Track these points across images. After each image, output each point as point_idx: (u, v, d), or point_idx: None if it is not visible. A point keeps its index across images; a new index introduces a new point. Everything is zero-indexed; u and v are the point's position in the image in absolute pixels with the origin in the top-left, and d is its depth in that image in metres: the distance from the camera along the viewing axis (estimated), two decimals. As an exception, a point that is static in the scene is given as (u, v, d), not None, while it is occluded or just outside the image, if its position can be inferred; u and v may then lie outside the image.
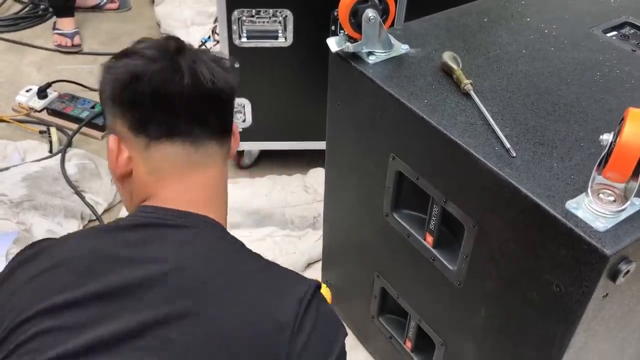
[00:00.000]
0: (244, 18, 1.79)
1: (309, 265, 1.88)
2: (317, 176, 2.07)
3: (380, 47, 1.19)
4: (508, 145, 0.98)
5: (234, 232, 0.87)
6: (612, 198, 0.88)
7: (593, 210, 0.87)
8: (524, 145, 0.99)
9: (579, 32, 1.31)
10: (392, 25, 1.21)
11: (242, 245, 0.86)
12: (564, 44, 1.26)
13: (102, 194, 2.05)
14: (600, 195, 0.88)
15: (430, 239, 1.18)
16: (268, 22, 1.81)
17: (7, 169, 2.06)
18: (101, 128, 2.32)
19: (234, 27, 1.79)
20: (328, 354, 0.79)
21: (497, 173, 0.94)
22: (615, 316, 0.99)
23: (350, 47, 1.17)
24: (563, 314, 0.91)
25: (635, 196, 0.87)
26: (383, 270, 1.39)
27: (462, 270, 1.09)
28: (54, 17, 2.84)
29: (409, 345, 1.40)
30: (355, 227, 1.46)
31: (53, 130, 2.24)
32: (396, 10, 1.21)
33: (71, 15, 2.79)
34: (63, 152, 2.14)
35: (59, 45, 2.78)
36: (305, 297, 0.79)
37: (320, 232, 1.80)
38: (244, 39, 1.82)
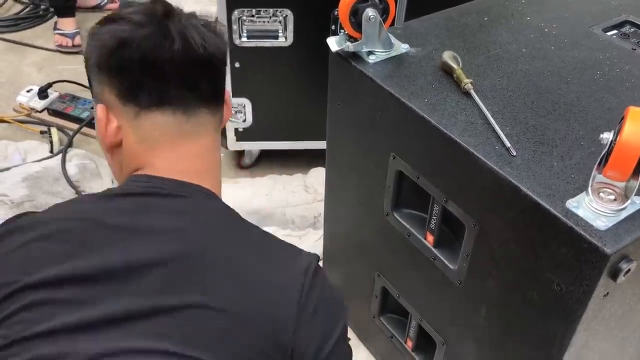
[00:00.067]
0: (244, 18, 1.79)
1: (309, 264, 1.88)
2: (317, 176, 2.07)
3: (380, 47, 1.19)
4: (508, 144, 0.98)
5: (234, 232, 0.86)
6: (612, 197, 0.88)
7: (593, 209, 0.87)
8: (524, 144, 0.99)
9: (579, 31, 1.31)
10: (392, 24, 1.21)
11: (240, 216, 0.85)
12: (564, 43, 1.26)
13: (103, 194, 2.05)
14: (601, 194, 0.88)
15: (430, 238, 1.18)
16: (268, 21, 1.81)
17: (8, 169, 2.06)
18: (102, 128, 2.32)
19: (234, 27, 1.79)
20: (335, 325, 0.79)
21: (497, 172, 0.94)
22: (615, 315, 0.99)
23: (350, 46, 1.17)
24: (563, 313, 0.91)
25: (635, 195, 0.87)
26: (384, 270, 1.39)
27: (463, 269, 1.09)
28: (55, 17, 2.84)
29: (409, 344, 1.40)
30: (355, 226, 1.46)
31: (54, 130, 2.24)
32: (396, 9, 1.21)
33: (72, 15, 2.79)
34: (64, 152, 2.14)
35: (60, 46, 2.78)
36: (310, 268, 0.79)
37: (320, 232, 1.80)
38: (244, 39, 1.82)
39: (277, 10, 1.79)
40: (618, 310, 0.98)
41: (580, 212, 0.87)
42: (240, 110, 1.96)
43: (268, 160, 2.24)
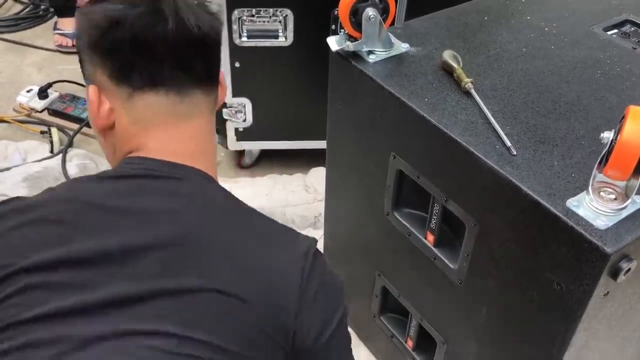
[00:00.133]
0: (244, 17, 1.79)
1: (310, 264, 1.88)
2: (317, 175, 2.07)
3: (380, 46, 1.19)
4: (509, 143, 0.98)
5: (235, 232, 0.86)
6: (613, 196, 0.88)
7: (594, 209, 0.87)
8: (524, 144, 0.99)
9: (580, 30, 1.31)
10: (392, 24, 1.21)
11: (237, 199, 0.84)
12: (565, 42, 1.26)
13: (103, 194, 2.05)
14: (601, 193, 0.88)
15: (431, 237, 1.18)
16: (268, 21, 1.81)
17: (8, 169, 2.06)
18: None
19: (234, 27, 1.79)
20: (335, 310, 0.79)
21: (497, 171, 0.94)
22: (616, 315, 0.98)
23: (350, 46, 1.17)
24: (564, 312, 0.91)
25: (636, 194, 0.87)
26: (384, 269, 1.39)
27: (463, 268, 1.09)
28: (55, 17, 2.84)
29: (410, 344, 1.40)
30: (356, 226, 1.46)
31: (54, 130, 2.24)
32: (396, 9, 1.21)
33: (72, 15, 2.78)
34: (64, 152, 2.14)
35: (60, 46, 2.78)
36: (310, 252, 0.78)
37: (321, 232, 1.80)
38: (244, 39, 1.82)
39: (277, 10, 1.79)
40: (618, 310, 0.98)
41: (580, 212, 0.87)
42: (240, 110, 1.96)
43: (268, 160, 2.24)
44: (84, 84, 0.88)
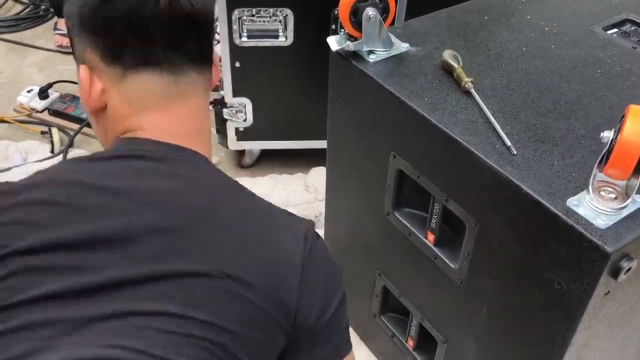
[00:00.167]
0: (245, 17, 1.79)
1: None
2: (318, 175, 2.07)
3: (380, 46, 1.19)
4: (509, 143, 0.98)
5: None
6: (613, 195, 0.88)
7: (594, 208, 0.87)
8: (524, 143, 0.99)
9: (580, 29, 1.31)
10: (392, 23, 1.21)
11: (237, 182, 0.83)
12: (565, 42, 1.26)
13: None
14: (602, 192, 0.88)
15: (431, 237, 1.18)
16: (268, 21, 1.81)
17: (8, 169, 2.07)
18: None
19: (235, 27, 1.79)
20: (335, 290, 0.80)
21: (498, 171, 0.94)
22: (616, 314, 0.99)
23: (350, 45, 1.17)
24: (564, 311, 0.91)
25: (636, 193, 0.87)
26: (385, 269, 1.39)
27: (464, 268, 1.09)
28: (55, 17, 2.84)
29: (411, 343, 1.40)
30: (356, 225, 1.46)
31: (54, 130, 2.24)
32: (396, 8, 1.21)
33: (72, 15, 2.79)
34: (65, 152, 2.15)
35: (60, 46, 2.77)
36: (309, 233, 0.79)
37: (321, 231, 1.80)
38: (244, 38, 1.82)
39: (277, 10, 1.79)
40: (619, 309, 0.98)
41: (580, 211, 0.87)
42: (240, 110, 1.96)
43: (269, 160, 2.24)
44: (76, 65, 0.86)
